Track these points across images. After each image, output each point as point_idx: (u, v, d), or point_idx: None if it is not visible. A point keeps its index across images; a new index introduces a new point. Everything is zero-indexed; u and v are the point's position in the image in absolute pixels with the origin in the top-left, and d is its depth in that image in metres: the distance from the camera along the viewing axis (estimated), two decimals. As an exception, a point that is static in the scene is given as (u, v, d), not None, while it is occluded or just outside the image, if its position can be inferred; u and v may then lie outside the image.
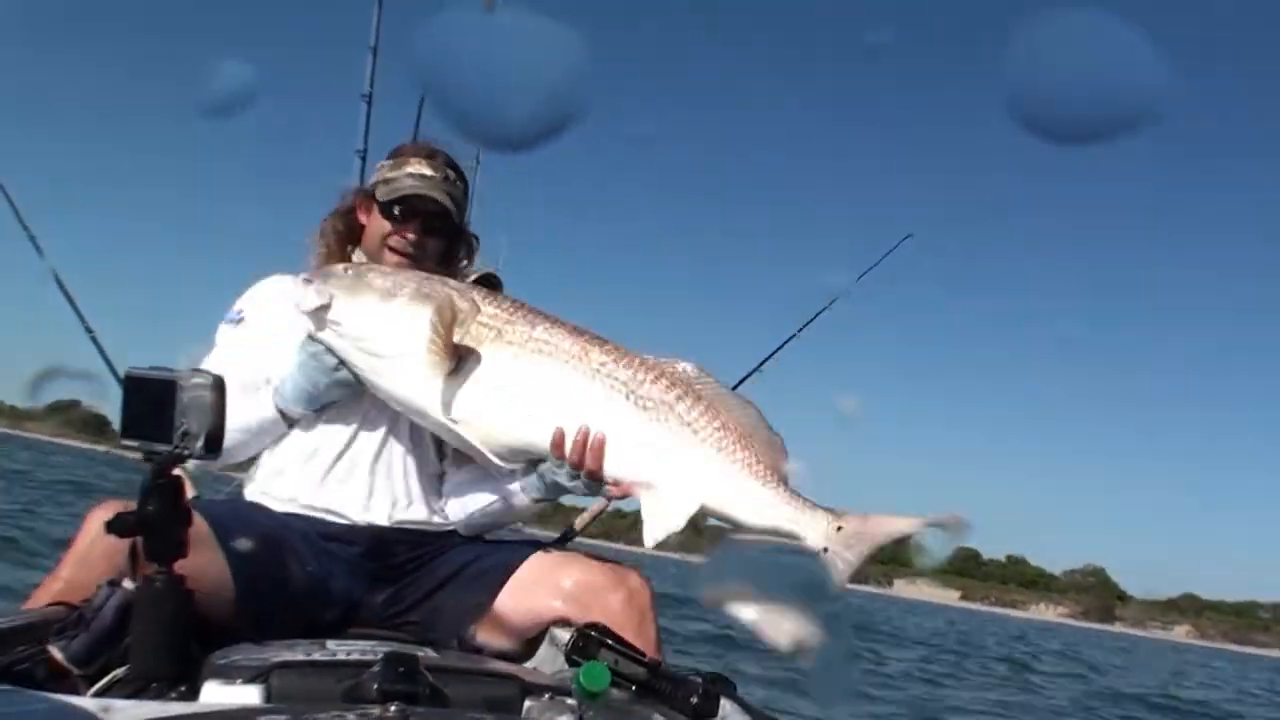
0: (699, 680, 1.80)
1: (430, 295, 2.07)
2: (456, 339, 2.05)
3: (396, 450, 2.33)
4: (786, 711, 1.92)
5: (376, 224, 2.39)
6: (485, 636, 2.22)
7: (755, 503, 2.03)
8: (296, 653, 1.76)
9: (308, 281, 2.10)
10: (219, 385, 1.63)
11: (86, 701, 1.52)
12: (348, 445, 2.29)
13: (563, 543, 3.02)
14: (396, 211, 2.35)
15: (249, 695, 1.58)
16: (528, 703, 1.62)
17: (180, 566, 1.65)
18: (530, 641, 2.26)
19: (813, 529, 2.01)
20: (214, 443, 1.62)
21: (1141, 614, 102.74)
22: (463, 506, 2.38)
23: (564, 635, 2.03)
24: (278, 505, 2.27)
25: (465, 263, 2.49)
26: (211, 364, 2.13)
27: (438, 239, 2.39)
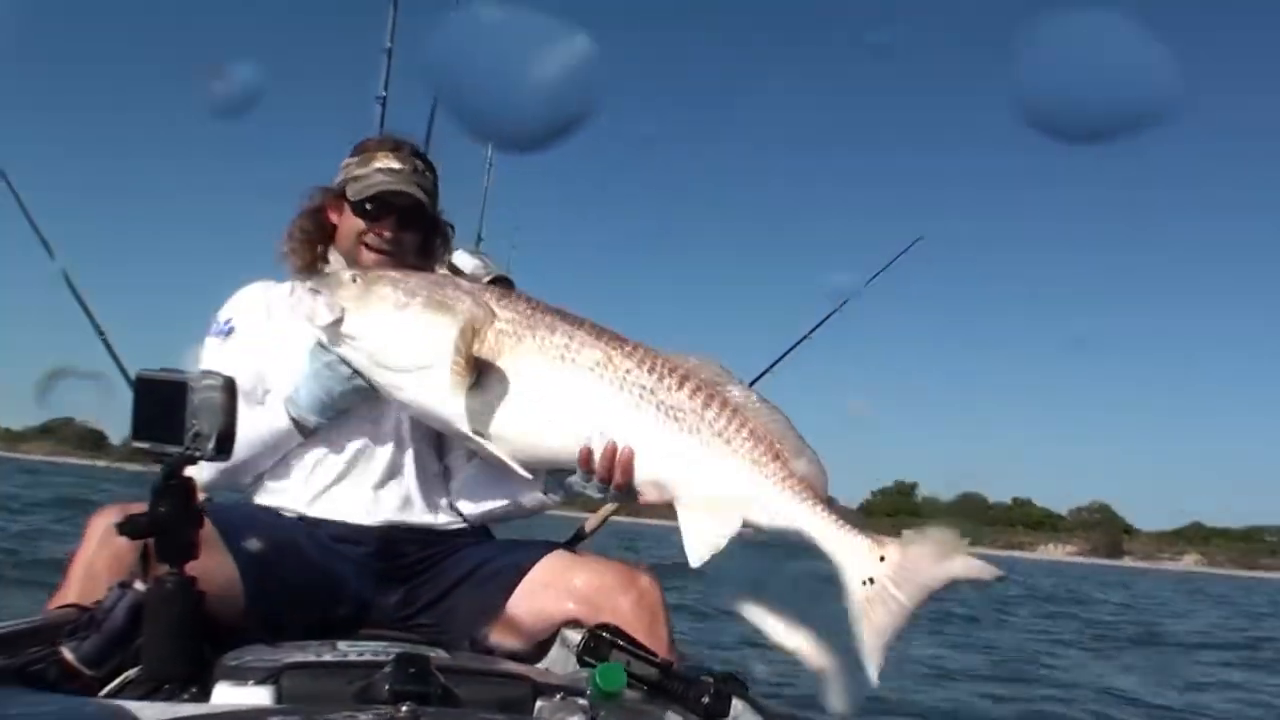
0: (710, 680, 1.79)
1: (444, 304, 2.00)
2: (474, 350, 1.98)
3: (404, 449, 2.33)
4: (799, 711, 1.90)
5: (350, 222, 2.35)
6: (497, 638, 2.21)
7: (794, 522, 1.97)
8: (307, 654, 1.76)
9: (315, 293, 2.01)
10: (230, 387, 1.64)
11: (98, 702, 1.52)
12: (354, 446, 2.29)
13: (574, 543, 3.02)
14: (369, 209, 2.31)
15: (260, 696, 1.58)
16: (539, 703, 1.62)
17: (189, 568, 1.65)
18: (542, 643, 2.25)
19: (854, 557, 1.92)
20: (225, 444, 1.63)
21: (1149, 546, 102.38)
22: (476, 504, 2.38)
23: (575, 636, 2.03)
24: (285, 507, 2.27)
25: (443, 251, 2.47)
26: None
27: (414, 232, 2.36)
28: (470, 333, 1.97)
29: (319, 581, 2.17)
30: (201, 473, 2.14)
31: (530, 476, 2.09)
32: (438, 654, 1.89)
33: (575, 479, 2.07)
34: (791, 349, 4.15)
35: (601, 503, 2.11)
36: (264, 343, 2.30)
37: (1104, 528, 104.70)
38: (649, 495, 2.03)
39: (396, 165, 2.32)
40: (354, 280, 2.03)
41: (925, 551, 1.90)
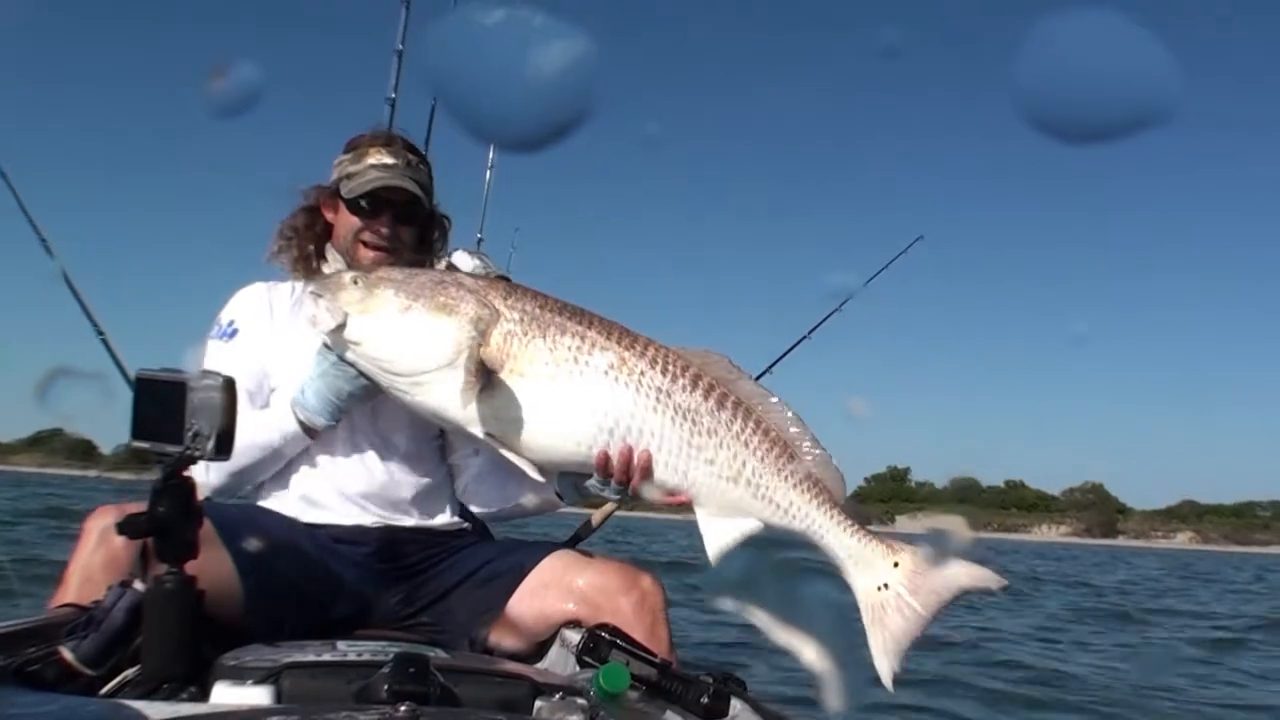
0: (709, 680, 1.80)
1: (447, 305, 1.95)
2: (481, 352, 1.93)
3: (405, 449, 2.32)
4: (797, 710, 1.90)
5: (346, 220, 2.33)
6: (496, 638, 2.21)
7: (809, 524, 1.97)
8: (307, 653, 1.76)
9: (316, 296, 1.97)
10: (229, 386, 1.64)
11: (98, 702, 1.52)
12: (354, 446, 2.28)
13: (575, 542, 3.02)
14: (365, 205, 2.29)
15: (260, 696, 1.58)
16: (539, 703, 1.62)
17: (188, 567, 1.65)
18: (541, 642, 2.25)
19: (868, 563, 1.93)
20: (225, 443, 1.63)
21: (1143, 525, 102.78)
22: (484, 504, 2.38)
23: (575, 636, 2.03)
24: (285, 508, 2.26)
25: (442, 244, 2.46)
26: None
27: (411, 227, 2.35)
28: (476, 335, 1.93)
29: (318, 581, 2.17)
30: (210, 476, 2.15)
31: (543, 479, 2.06)
32: (437, 654, 1.89)
33: (593, 482, 2.04)
34: (793, 348, 4.17)
35: (618, 505, 2.09)
36: (268, 344, 2.30)
37: (1098, 508, 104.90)
38: (666, 497, 2.01)
39: (390, 160, 2.30)
40: (355, 283, 1.98)
41: (937, 559, 1.91)
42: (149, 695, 1.58)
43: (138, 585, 1.69)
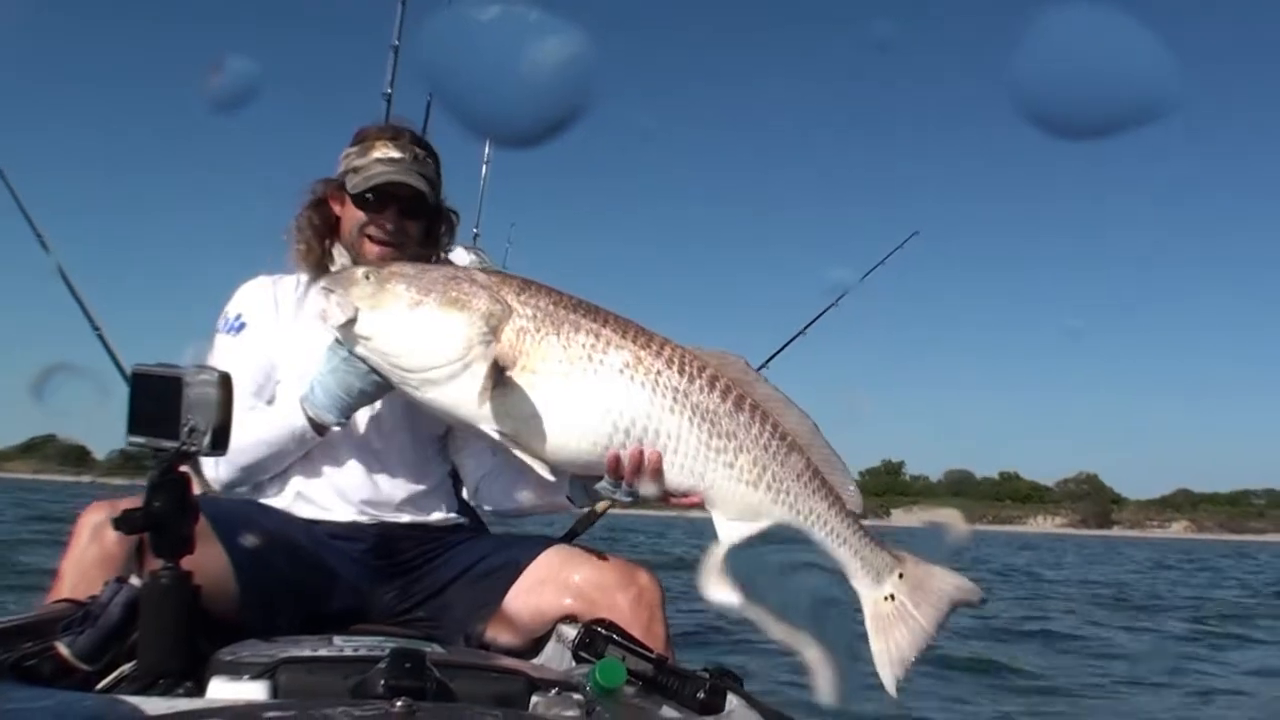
0: (706, 675, 1.80)
1: (460, 301, 1.90)
2: (494, 349, 1.90)
3: (403, 449, 2.32)
4: (794, 705, 1.91)
5: (352, 214, 2.31)
6: (493, 633, 2.21)
7: (823, 530, 1.96)
8: (303, 648, 1.76)
9: (327, 291, 1.94)
10: (225, 381, 1.63)
11: (94, 697, 1.52)
12: (352, 444, 2.27)
13: (570, 537, 3.02)
14: (370, 200, 2.27)
15: (256, 691, 1.58)
16: (535, 698, 1.62)
17: (183, 562, 1.65)
18: (538, 638, 2.25)
19: (877, 573, 1.93)
20: (220, 438, 1.63)
21: (1138, 515, 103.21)
22: (490, 503, 2.38)
23: (571, 632, 2.03)
24: (281, 503, 2.26)
25: (448, 238, 2.44)
26: None
27: (417, 222, 2.32)
28: (488, 331, 1.90)
29: (314, 576, 2.17)
30: (219, 471, 2.15)
31: (554, 479, 2.03)
32: (433, 649, 1.89)
33: (603, 485, 2.02)
34: (789, 342, 4.18)
35: (629, 507, 2.07)
36: (274, 337, 2.28)
37: (1092, 498, 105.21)
38: (678, 500, 2.00)
39: (396, 154, 2.27)
40: (367, 278, 1.94)
41: (935, 571, 1.94)
42: (145, 690, 1.58)
43: (134, 580, 1.69)
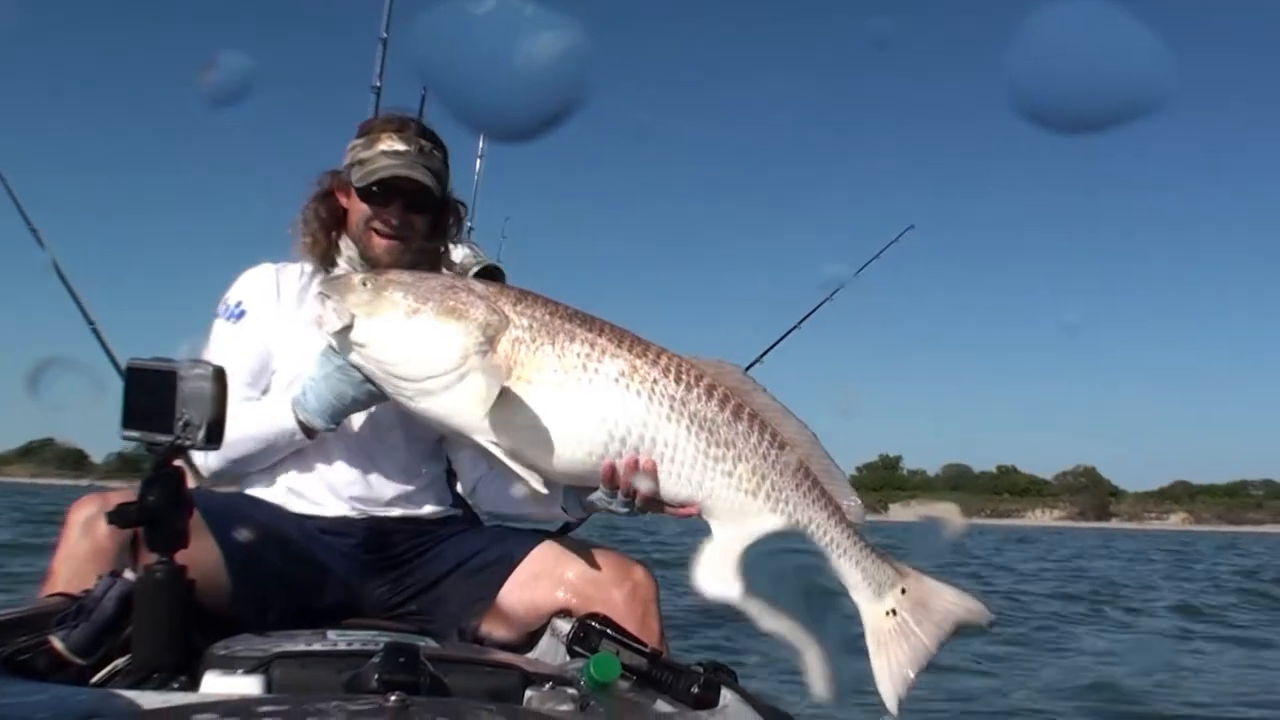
0: (700, 670, 1.80)
1: (456, 310, 1.90)
2: (489, 359, 1.89)
3: (397, 443, 2.31)
4: (787, 701, 1.91)
5: (358, 207, 2.29)
6: (487, 627, 2.21)
7: (824, 541, 1.95)
8: (297, 643, 1.76)
9: (324, 297, 1.93)
10: (220, 375, 1.63)
11: (88, 691, 1.52)
12: (343, 437, 2.26)
13: (564, 531, 3.02)
14: (376, 194, 2.25)
15: (250, 685, 1.59)
16: (529, 692, 1.63)
17: (177, 556, 1.65)
18: (532, 632, 2.25)
19: (879, 586, 1.92)
20: (215, 432, 1.62)
21: (1136, 507, 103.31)
22: (492, 504, 2.37)
23: (565, 626, 2.03)
24: (273, 498, 2.25)
25: (456, 230, 2.43)
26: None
27: (423, 215, 2.30)
28: (484, 341, 1.89)
29: (306, 570, 2.16)
30: (209, 460, 2.14)
31: (547, 492, 2.00)
32: (427, 643, 1.89)
33: (598, 496, 2.00)
34: (784, 337, 4.19)
35: (626, 517, 2.05)
36: (274, 326, 2.27)
37: (1090, 491, 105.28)
38: (676, 509, 1.98)
39: (401, 147, 2.25)
40: (364, 284, 1.93)
41: (941, 588, 1.93)
42: (139, 684, 1.58)
43: (128, 575, 1.69)
